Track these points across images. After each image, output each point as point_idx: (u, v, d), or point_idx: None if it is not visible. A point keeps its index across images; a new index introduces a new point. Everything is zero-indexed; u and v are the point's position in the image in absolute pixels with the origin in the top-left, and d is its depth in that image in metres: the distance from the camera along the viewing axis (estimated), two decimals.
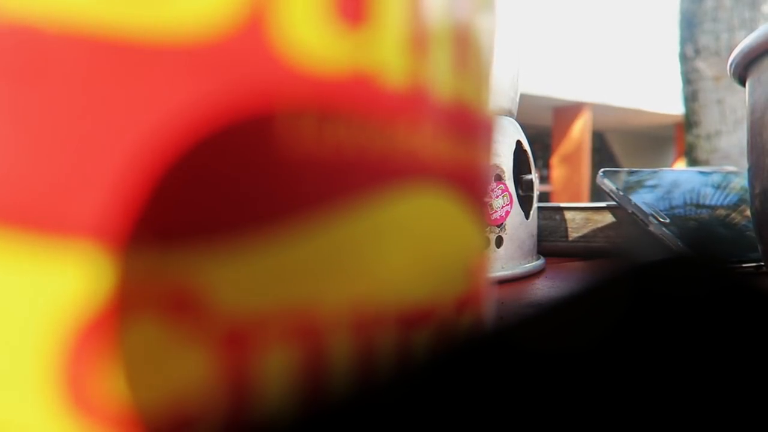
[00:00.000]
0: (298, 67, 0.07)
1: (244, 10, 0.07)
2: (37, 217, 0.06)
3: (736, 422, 0.06)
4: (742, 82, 0.27)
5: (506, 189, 0.35)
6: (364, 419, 0.06)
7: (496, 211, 0.35)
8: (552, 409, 0.06)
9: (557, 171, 4.82)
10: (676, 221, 0.38)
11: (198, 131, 0.07)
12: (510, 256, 0.36)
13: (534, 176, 0.39)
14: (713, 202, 0.41)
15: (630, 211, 0.39)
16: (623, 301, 0.08)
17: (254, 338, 0.07)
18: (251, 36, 0.07)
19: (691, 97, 1.62)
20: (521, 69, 0.40)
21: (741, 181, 0.44)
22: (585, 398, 0.06)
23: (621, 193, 0.39)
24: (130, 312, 0.07)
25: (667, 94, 4.81)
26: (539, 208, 0.46)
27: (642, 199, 0.39)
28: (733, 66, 0.26)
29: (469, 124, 0.10)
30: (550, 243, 0.47)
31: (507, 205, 0.35)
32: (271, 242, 0.07)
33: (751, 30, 1.42)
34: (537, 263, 0.38)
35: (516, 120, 0.39)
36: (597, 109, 4.79)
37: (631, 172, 0.42)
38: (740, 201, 0.42)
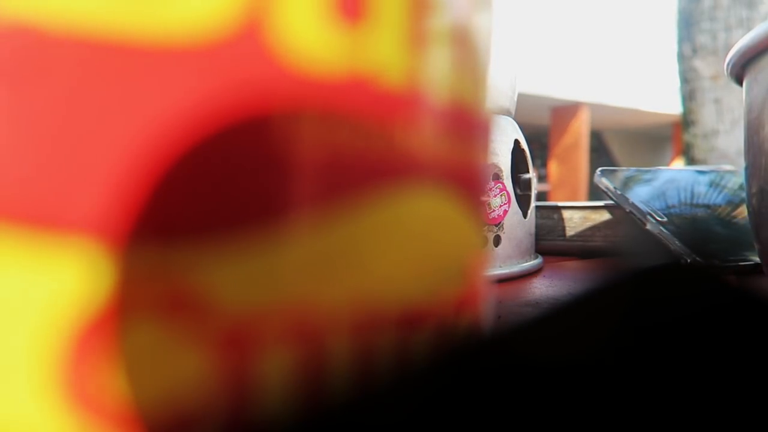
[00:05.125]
0: (297, 69, 0.07)
1: (242, 12, 0.07)
2: (38, 215, 0.06)
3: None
4: (740, 82, 0.27)
5: (504, 188, 0.35)
6: (362, 419, 0.06)
7: (494, 210, 0.35)
8: (549, 414, 0.06)
9: (555, 170, 4.82)
10: (673, 220, 0.38)
11: (197, 132, 0.07)
12: (508, 254, 0.36)
13: (532, 175, 0.39)
14: (711, 201, 0.41)
15: (627, 210, 0.39)
16: (621, 309, 0.08)
17: (253, 338, 0.07)
18: (249, 38, 0.07)
19: (688, 97, 1.62)
20: (519, 68, 0.40)
21: (738, 180, 0.44)
22: (582, 403, 0.07)
23: (618, 192, 0.40)
24: (129, 311, 0.07)
25: (664, 94, 4.82)
26: (537, 207, 0.46)
27: (639, 197, 0.39)
28: (730, 65, 0.26)
29: (466, 124, 0.10)
30: (548, 242, 0.47)
31: (505, 204, 0.35)
32: (270, 242, 0.07)
33: (749, 29, 1.43)
34: (535, 262, 0.38)
35: (514, 119, 0.39)
36: (595, 108, 4.79)
37: (628, 172, 0.42)
38: (738, 200, 0.42)
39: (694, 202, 0.40)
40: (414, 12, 0.09)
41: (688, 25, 1.60)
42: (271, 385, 0.07)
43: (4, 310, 0.06)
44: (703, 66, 1.58)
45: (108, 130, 0.06)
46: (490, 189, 0.35)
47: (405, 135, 0.09)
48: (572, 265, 0.42)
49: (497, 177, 0.35)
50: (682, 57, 1.63)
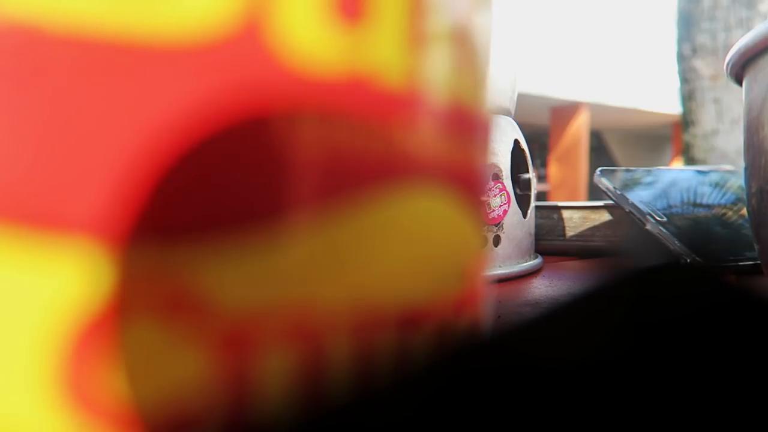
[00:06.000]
0: (296, 69, 0.07)
1: (241, 12, 0.07)
2: (38, 215, 0.06)
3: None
4: (739, 82, 0.27)
5: (504, 188, 0.35)
6: (362, 419, 0.06)
7: (493, 210, 0.35)
8: (549, 414, 0.06)
9: (555, 170, 4.82)
10: (673, 220, 0.38)
11: (197, 132, 0.07)
12: (508, 254, 0.36)
13: (531, 175, 0.39)
14: (710, 201, 0.41)
15: (627, 210, 0.39)
16: (621, 309, 0.08)
17: (253, 338, 0.07)
18: (249, 38, 0.07)
19: (688, 96, 1.62)
20: (519, 68, 0.40)
21: (738, 180, 0.44)
22: (582, 403, 0.07)
23: (618, 191, 0.40)
24: (129, 311, 0.07)
25: (664, 94, 4.82)
26: (537, 206, 0.46)
27: (639, 197, 0.39)
28: (729, 65, 0.26)
29: (466, 124, 0.10)
30: (548, 242, 0.47)
31: (505, 204, 0.35)
32: (270, 242, 0.07)
33: (748, 29, 1.42)
34: (534, 262, 0.38)
35: (514, 119, 0.39)
36: (594, 108, 4.79)
37: (628, 171, 0.42)
38: (737, 200, 0.42)
39: (696, 201, 0.40)
40: (414, 12, 0.09)
41: (687, 25, 1.60)
42: (271, 385, 0.07)
43: (4, 310, 0.06)
44: (702, 66, 1.58)
45: (107, 129, 0.06)
46: (490, 189, 0.35)
47: (405, 135, 0.09)
48: (572, 265, 0.42)
49: (497, 177, 0.35)
50: (681, 57, 1.63)
